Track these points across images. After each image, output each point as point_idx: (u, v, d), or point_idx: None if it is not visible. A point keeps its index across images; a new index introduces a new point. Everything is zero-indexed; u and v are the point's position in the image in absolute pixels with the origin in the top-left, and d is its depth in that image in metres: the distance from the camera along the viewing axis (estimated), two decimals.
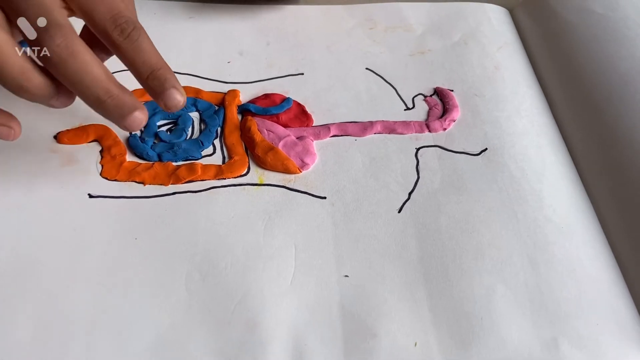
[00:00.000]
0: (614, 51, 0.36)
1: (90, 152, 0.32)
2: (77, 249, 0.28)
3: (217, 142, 0.33)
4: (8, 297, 0.26)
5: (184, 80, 0.36)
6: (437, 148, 0.33)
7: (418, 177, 0.32)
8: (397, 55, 0.39)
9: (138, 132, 0.33)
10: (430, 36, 0.40)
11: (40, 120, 0.32)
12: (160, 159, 0.32)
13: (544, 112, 0.36)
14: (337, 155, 0.33)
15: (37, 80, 0.23)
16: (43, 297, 0.26)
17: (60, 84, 0.24)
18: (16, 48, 0.23)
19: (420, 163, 0.32)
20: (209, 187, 0.31)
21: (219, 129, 0.34)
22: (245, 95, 0.36)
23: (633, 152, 0.31)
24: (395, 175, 0.32)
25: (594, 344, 0.25)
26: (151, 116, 0.33)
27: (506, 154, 0.33)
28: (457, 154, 0.33)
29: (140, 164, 0.31)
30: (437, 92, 0.36)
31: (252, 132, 0.33)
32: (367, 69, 0.38)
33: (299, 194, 0.31)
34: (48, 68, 0.23)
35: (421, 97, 0.36)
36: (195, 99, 0.35)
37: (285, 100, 0.35)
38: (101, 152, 0.32)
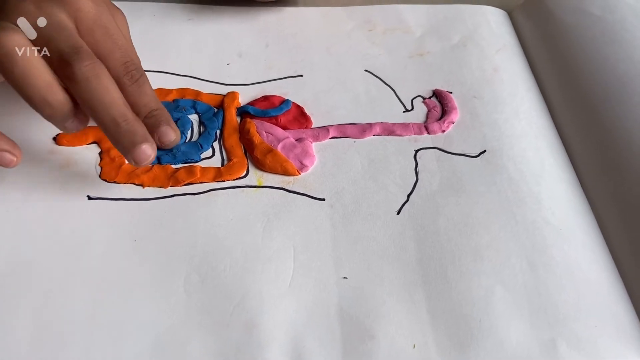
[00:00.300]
0: (612, 53, 0.36)
1: (89, 154, 0.32)
2: (75, 250, 0.28)
3: (216, 144, 0.33)
4: (7, 298, 0.26)
5: (183, 82, 0.36)
6: (435, 150, 0.33)
7: (417, 179, 0.32)
8: (396, 57, 0.39)
9: None
10: (429, 38, 0.40)
11: (39, 122, 0.32)
12: (159, 161, 0.32)
13: (542, 114, 0.36)
14: (336, 157, 0.33)
15: (60, 96, 0.25)
16: (42, 298, 0.26)
17: (78, 107, 0.26)
18: (44, 64, 0.25)
19: (419, 165, 0.32)
20: (208, 189, 0.31)
21: (218, 132, 0.34)
22: (245, 97, 0.36)
23: (632, 154, 0.31)
24: (394, 177, 0.32)
25: (592, 346, 0.26)
26: None
27: (505, 156, 0.33)
28: (456, 156, 0.33)
29: None
30: (436, 94, 0.36)
31: (251, 134, 0.33)
32: (366, 70, 0.38)
33: (298, 195, 0.31)
34: (71, 86, 0.25)
35: (420, 99, 0.36)
36: (194, 101, 0.35)
37: (284, 102, 0.35)
38: (100, 154, 0.32)
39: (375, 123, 0.34)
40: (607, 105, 0.34)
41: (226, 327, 0.25)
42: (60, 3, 0.26)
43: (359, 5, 0.42)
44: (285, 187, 0.31)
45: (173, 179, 0.31)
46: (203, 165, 0.32)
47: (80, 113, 0.26)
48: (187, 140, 0.33)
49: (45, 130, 0.32)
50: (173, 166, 0.32)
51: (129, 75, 0.27)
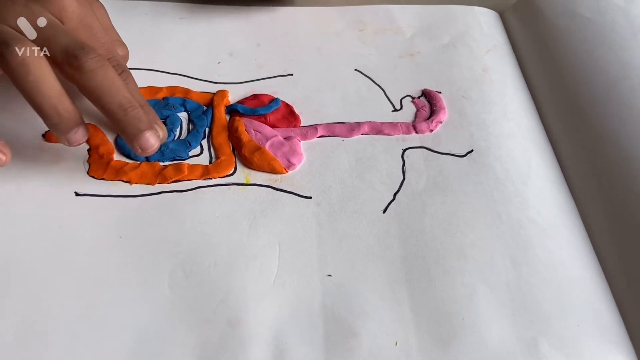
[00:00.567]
0: (602, 55, 0.36)
1: (77, 151, 0.32)
2: (62, 246, 0.28)
3: (204, 142, 0.33)
4: None
5: (173, 80, 0.36)
6: (423, 149, 0.33)
7: (404, 178, 0.32)
8: (386, 57, 0.39)
9: None
10: (420, 38, 0.40)
11: (29, 119, 0.32)
12: (147, 158, 0.32)
13: (530, 114, 0.36)
14: (324, 156, 0.33)
15: (69, 105, 0.26)
16: (26, 293, 0.26)
17: (82, 119, 0.27)
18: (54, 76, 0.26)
19: (406, 164, 0.33)
20: (195, 186, 0.31)
21: (207, 129, 0.34)
22: (235, 95, 0.36)
23: (618, 155, 0.31)
24: (381, 175, 0.32)
25: (574, 344, 0.26)
26: None
27: (492, 155, 0.33)
28: (443, 155, 0.33)
29: (128, 163, 0.31)
30: (425, 93, 0.37)
31: (239, 132, 0.33)
32: (356, 70, 0.38)
33: (285, 193, 0.31)
34: (79, 78, 0.26)
35: (409, 98, 0.36)
36: (184, 99, 0.35)
37: (274, 100, 0.35)
38: (89, 150, 0.32)
39: (364, 122, 0.34)
40: (595, 106, 0.34)
41: (209, 324, 0.26)
42: (46, 3, 0.26)
43: (352, 6, 0.42)
44: (273, 185, 0.31)
45: (161, 176, 0.31)
46: (191, 163, 0.32)
47: (83, 125, 0.27)
48: (175, 138, 0.33)
49: (34, 127, 0.32)
50: (161, 163, 0.32)
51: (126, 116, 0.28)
